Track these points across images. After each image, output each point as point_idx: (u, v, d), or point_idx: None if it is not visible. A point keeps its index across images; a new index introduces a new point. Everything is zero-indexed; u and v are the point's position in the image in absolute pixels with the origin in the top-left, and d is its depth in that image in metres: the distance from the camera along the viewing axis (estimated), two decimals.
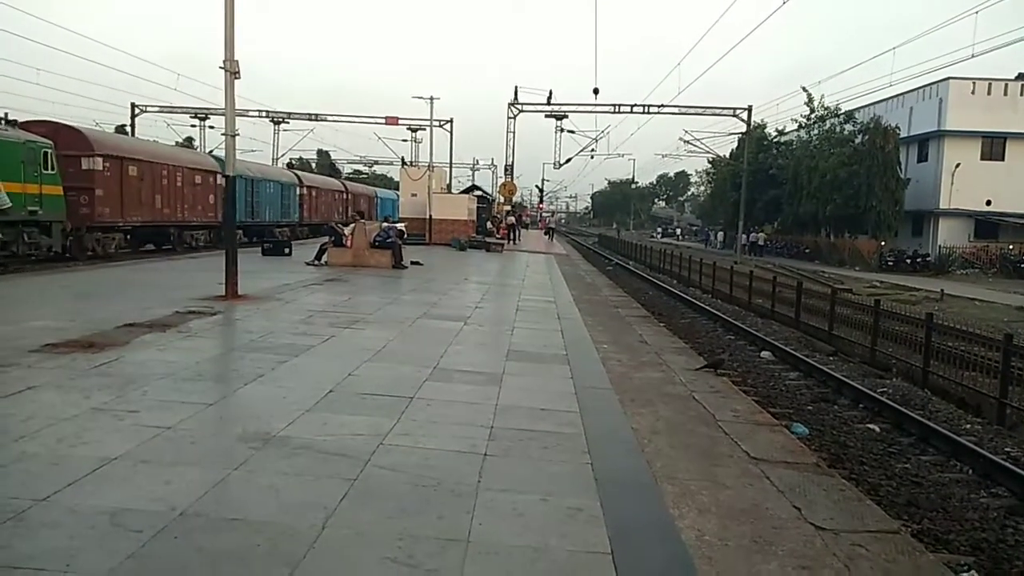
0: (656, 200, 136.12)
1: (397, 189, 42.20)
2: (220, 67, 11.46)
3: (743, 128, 44.66)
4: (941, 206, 39.71)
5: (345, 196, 44.07)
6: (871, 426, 9.10)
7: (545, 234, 54.36)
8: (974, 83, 38.29)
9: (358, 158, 73.59)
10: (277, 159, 49.87)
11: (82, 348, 7.20)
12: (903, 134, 40.35)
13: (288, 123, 49.82)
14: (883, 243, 39.73)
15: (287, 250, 21.72)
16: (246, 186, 28.51)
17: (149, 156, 23.35)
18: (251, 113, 46.68)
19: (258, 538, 3.39)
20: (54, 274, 15.00)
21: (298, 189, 35.83)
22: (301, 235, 34.30)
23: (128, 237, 22.49)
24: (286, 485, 4.04)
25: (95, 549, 3.21)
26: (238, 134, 12.17)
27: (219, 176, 25.88)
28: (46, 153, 17.86)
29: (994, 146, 39.43)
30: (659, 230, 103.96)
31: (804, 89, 46.07)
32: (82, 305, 10.64)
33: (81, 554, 3.16)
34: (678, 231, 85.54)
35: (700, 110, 42.34)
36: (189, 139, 53.46)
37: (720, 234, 67.61)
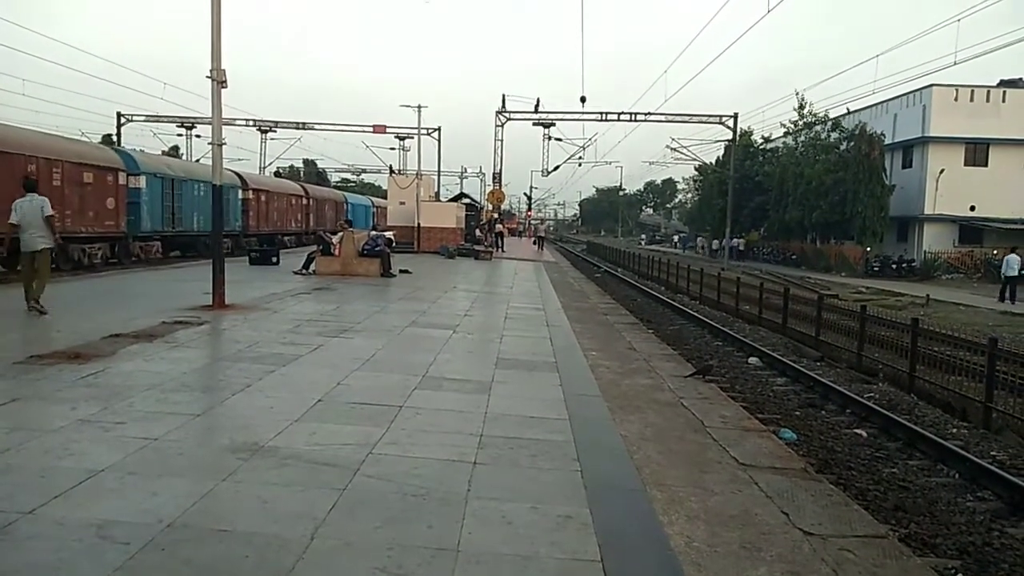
0: (644, 207, 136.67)
1: (385, 197, 41.90)
2: (207, 76, 11.45)
3: (729, 135, 44.97)
4: (926, 212, 40.04)
5: (305, 202, 38.82)
6: (858, 431, 9.15)
7: (534, 243, 49.85)
8: (957, 90, 38.66)
9: (346, 166, 73.74)
10: (264, 167, 49.79)
11: (68, 359, 7.15)
12: (887, 141, 40.68)
13: (275, 132, 49.78)
14: (868, 249, 39.99)
15: (274, 259, 21.68)
16: (161, 187, 23.82)
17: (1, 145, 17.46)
18: (238, 122, 46.60)
19: (246, 549, 3.37)
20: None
21: (240, 192, 30.22)
22: (247, 247, 27.96)
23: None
24: (274, 495, 4.03)
25: (82, 562, 3.19)
26: (225, 143, 12.16)
27: (123, 175, 21.69)
28: None
29: (977, 152, 39.81)
30: (643, 237, 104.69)
31: (797, 93, 46.44)
32: (67, 316, 10.55)
33: (68, 567, 3.14)
34: (675, 238, 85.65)
35: (686, 118, 42.59)
36: (175, 148, 53.32)
37: (699, 240, 70.19)
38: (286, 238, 34.85)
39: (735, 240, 52.62)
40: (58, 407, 5.52)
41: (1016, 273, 25.87)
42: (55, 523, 3.54)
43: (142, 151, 26.92)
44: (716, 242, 56.70)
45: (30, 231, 10.44)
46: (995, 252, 37.73)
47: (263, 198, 32.77)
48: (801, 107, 45.68)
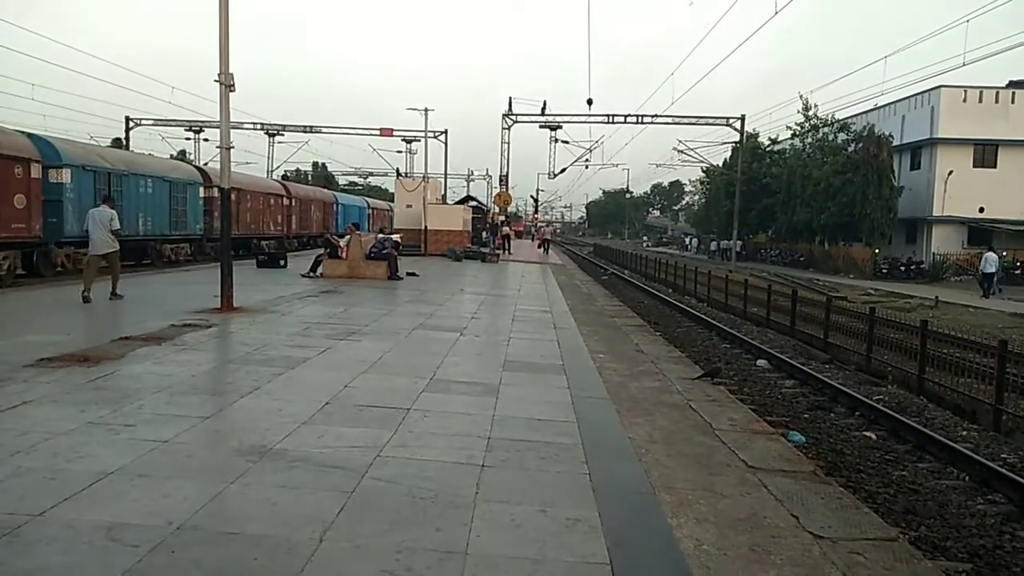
0: (651, 209, 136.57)
1: (391, 200, 41.73)
2: (215, 80, 11.49)
3: (736, 137, 44.90)
4: (934, 213, 39.90)
5: (287, 202, 34.82)
6: (868, 434, 9.10)
7: (539, 247, 47.15)
8: (965, 91, 38.55)
9: (353, 170, 73.95)
10: (272, 171, 49.91)
11: (77, 362, 7.18)
12: (896, 142, 40.58)
13: (283, 135, 49.87)
14: (877, 251, 39.87)
15: (282, 262, 21.73)
16: (94, 182, 19.73)
17: None
18: (246, 125, 46.68)
19: (255, 552, 3.38)
20: (48, 288, 14.97)
21: (203, 190, 26.17)
22: (213, 254, 24.95)
23: None
24: (283, 498, 4.03)
25: (92, 564, 3.20)
26: (233, 147, 12.19)
27: (38, 166, 17.73)
28: None
29: (986, 153, 39.67)
30: (645, 239, 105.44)
31: (801, 96, 46.38)
32: (77, 318, 10.61)
33: (78, 569, 3.15)
34: (687, 240, 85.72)
35: (694, 120, 42.51)
36: (183, 152, 53.57)
37: (693, 240, 75.71)
38: (264, 242, 30.63)
39: (726, 242, 53.32)
40: (67, 410, 5.54)
41: (993, 270, 28.91)
42: (65, 525, 3.55)
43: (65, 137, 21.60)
44: (715, 243, 59.79)
45: (98, 237, 12.51)
46: (1004, 254, 37.58)
47: (232, 197, 27.75)
48: (806, 109, 45.62)
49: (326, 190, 48.30)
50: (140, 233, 22.23)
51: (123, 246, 21.16)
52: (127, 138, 44.86)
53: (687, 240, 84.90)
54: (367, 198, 54.67)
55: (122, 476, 4.23)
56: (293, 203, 35.77)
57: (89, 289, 11.95)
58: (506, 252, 36.74)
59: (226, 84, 11.48)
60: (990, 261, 29.00)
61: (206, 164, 38.32)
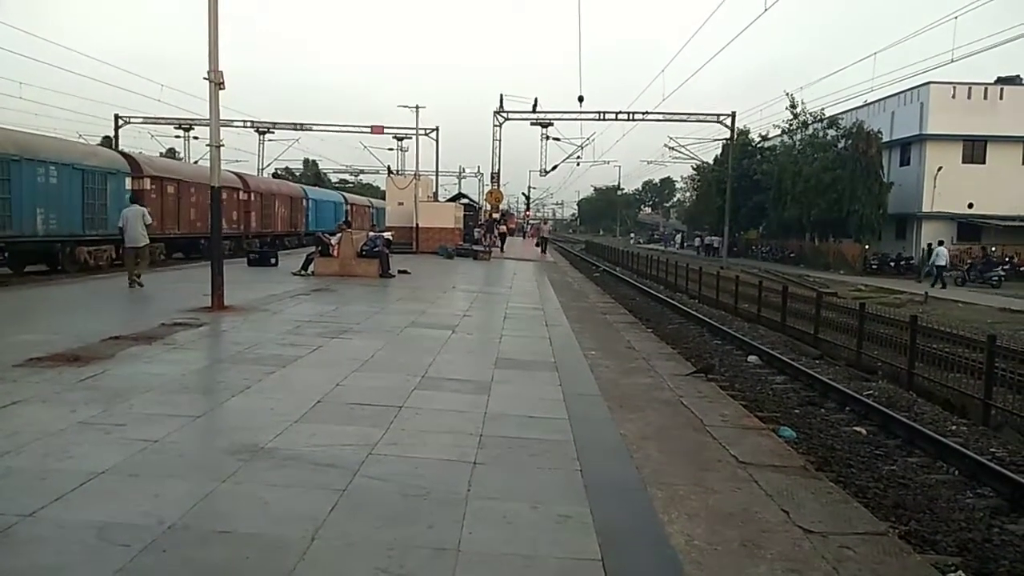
0: (642, 206, 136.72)
1: (383, 198, 41.35)
2: (205, 78, 11.44)
3: (727, 134, 45.00)
4: (924, 209, 40.06)
5: (244, 196, 29.90)
6: (858, 429, 9.15)
7: (537, 245, 44.32)
8: (954, 87, 38.68)
9: (344, 167, 73.83)
10: (263, 169, 49.72)
11: (68, 362, 7.15)
12: (885, 138, 40.72)
13: (273, 133, 49.69)
14: (867, 247, 40.02)
15: (273, 260, 21.67)
16: None
17: None
18: (236, 123, 46.48)
19: (247, 550, 3.38)
20: (38, 288, 14.89)
21: (129, 181, 21.53)
22: (149, 256, 18.72)
23: None
24: (275, 496, 4.03)
25: (83, 564, 3.19)
26: (223, 144, 12.14)
27: None
28: None
29: (975, 149, 39.84)
30: (632, 235, 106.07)
31: (788, 94, 46.50)
32: (67, 318, 10.55)
33: (68, 569, 3.14)
34: (678, 237, 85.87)
35: (684, 117, 42.58)
36: (172, 150, 53.33)
37: (678, 236, 79.17)
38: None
39: (709, 237, 53.68)
40: (58, 409, 5.51)
41: (944, 263, 30.57)
42: (55, 525, 3.54)
43: None
44: (699, 239, 62.18)
45: (133, 232, 14.16)
46: (993, 249, 37.79)
47: (170, 189, 23.64)
48: (793, 106, 45.73)
49: (293, 184, 44.15)
50: (40, 233, 17.70)
51: (19, 249, 17.76)
52: (116, 136, 44.63)
53: (674, 236, 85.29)
54: (345, 193, 53.15)
55: (113, 476, 4.22)
56: (252, 198, 31.06)
57: (132, 275, 13.98)
58: (499, 250, 36.73)
59: (216, 82, 11.43)
60: (941, 255, 30.58)
61: (196, 162, 38.17)
